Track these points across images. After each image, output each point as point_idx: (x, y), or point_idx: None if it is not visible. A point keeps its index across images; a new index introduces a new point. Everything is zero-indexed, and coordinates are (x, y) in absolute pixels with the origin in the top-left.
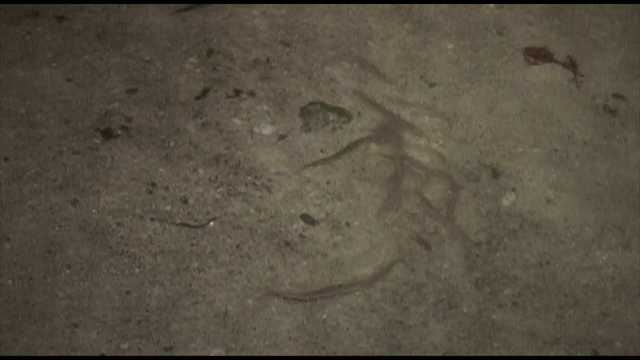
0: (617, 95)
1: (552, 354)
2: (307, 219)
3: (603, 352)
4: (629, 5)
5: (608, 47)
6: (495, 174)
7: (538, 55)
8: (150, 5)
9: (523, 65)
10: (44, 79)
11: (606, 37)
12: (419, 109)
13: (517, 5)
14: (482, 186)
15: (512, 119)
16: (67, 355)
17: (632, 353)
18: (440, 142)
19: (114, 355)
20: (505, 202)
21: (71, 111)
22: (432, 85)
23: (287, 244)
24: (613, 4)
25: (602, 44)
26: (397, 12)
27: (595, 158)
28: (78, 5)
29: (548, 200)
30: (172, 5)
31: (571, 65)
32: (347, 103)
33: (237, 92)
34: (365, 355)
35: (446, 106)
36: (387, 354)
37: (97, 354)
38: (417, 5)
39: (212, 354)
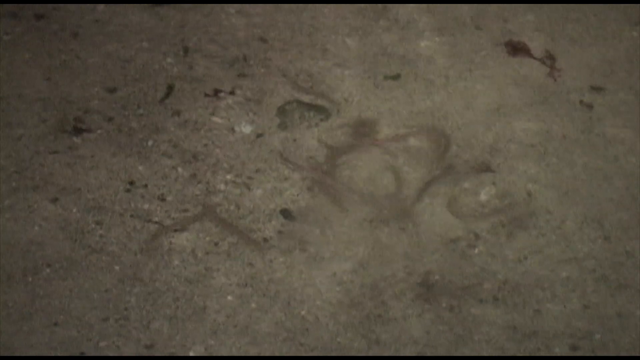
0: (594, 90)
1: (530, 347)
2: (286, 215)
3: (582, 344)
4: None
5: (584, 42)
6: (474, 169)
7: (515, 49)
8: (129, 4)
9: (501, 60)
10: (21, 79)
11: (582, 32)
12: (396, 105)
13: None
14: (460, 181)
15: (489, 115)
16: (46, 353)
17: (611, 345)
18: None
19: (93, 354)
20: (484, 197)
21: (49, 111)
22: (408, 81)
23: (265, 240)
24: None
25: (578, 39)
26: (374, 10)
27: (574, 152)
28: (55, 4)
29: (528, 195)
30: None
31: (548, 60)
32: (326, 100)
33: (216, 91)
34: (344, 348)
35: (423, 102)
36: (365, 348)
37: (77, 352)
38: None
39: (191, 352)
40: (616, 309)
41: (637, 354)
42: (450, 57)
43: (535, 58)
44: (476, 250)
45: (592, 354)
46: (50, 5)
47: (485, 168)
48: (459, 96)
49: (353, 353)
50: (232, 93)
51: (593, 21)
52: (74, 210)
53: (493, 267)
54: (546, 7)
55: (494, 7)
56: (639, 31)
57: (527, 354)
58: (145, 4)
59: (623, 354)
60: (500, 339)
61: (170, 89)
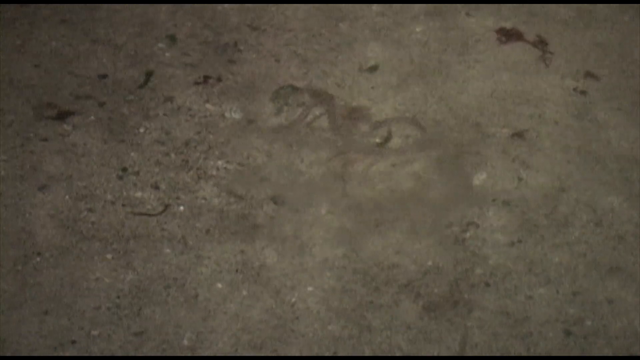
0: (587, 75)
1: (523, 332)
2: (278, 201)
3: (574, 330)
4: None
5: (577, 27)
6: (466, 153)
7: (508, 35)
8: None
9: (493, 45)
10: (12, 65)
11: (574, 16)
12: (389, 90)
13: None
14: (453, 165)
15: (482, 99)
16: (37, 342)
17: (602, 332)
18: (412, 123)
19: (84, 342)
20: (477, 182)
21: (40, 97)
22: (402, 65)
23: (257, 226)
24: None
25: (571, 23)
26: None
27: (566, 137)
28: None
29: (519, 179)
30: None
31: (540, 44)
32: (319, 85)
33: (207, 77)
34: (335, 335)
35: (416, 87)
36: (357, 335)
37: (68, 341)
38: None
39: (184, 339)
40: (606, 295)
41: (628, 340)
42: (443, 42)
43: (527, 42)
44: (468, 234)
45: (584, 340)
46: None
47: (478, 153)
48: (453, 81)
49: (344, 340)
50: (223, 79)
51: (585, 5)
52: (65, 197)
53: (485, 251)
54: None
55: None
56: (631, 15)
57: (520, 339)
58: None
59: (613, 340)
60: (492, 324)
61: (149, 75)
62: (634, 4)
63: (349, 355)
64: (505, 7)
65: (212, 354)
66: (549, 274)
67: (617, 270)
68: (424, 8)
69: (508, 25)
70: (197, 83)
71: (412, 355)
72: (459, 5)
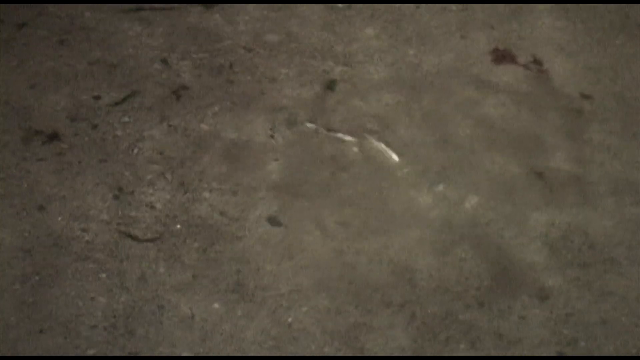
0: (581, 97)
1: (516, 353)
2: (273, 222)
3: (567, 351)
4: (590, 7)
5: (571, 50)
6: (458, 176)
7: (501, 57)
8: (115, 10)
9: (486, 68)
10: (7, 86)
11: (568, 40)
12: (386, 114)
13: (480, 8)
14: (446, 190)
15: (475, 123)
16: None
17: (596, 352)
18: (402, 147)
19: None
20: (468, 205)
21: (36, 117)
22: (395, 88)
23: (252, 247)
24: (574, 4)
25: (565, 46)
26: (360, 17)
27: (560, 158)
28: (41, 9)
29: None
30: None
31: (535, 66)
32: (313, 107)
33: (200, 99)
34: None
35: (411, 109)
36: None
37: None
38: (381, 8)
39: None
40: (601, 316)
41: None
42: (436, 65)
43: (521, 65)
44: (462, 255)
45: None
46: (35, 11)
47: (470, 176)
48: (445, 104)
49: None
50: (218, 99)
51: (579, 29)
52: (60, 218)
53: (479, 271)
54: (532, 15)
55: (480, 14)
56: (622, 39)
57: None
58: (132, 11)
59: None
60: (486, 345)
61: (134, 93)
62: (624, 29)
63: None
64: (498, 31)
65: None
66: (542, 295)
67: (610, 293)
68: (417, 30)
69: (501, 47)
70: (191, 103)
71: None
72: (452, 28)
